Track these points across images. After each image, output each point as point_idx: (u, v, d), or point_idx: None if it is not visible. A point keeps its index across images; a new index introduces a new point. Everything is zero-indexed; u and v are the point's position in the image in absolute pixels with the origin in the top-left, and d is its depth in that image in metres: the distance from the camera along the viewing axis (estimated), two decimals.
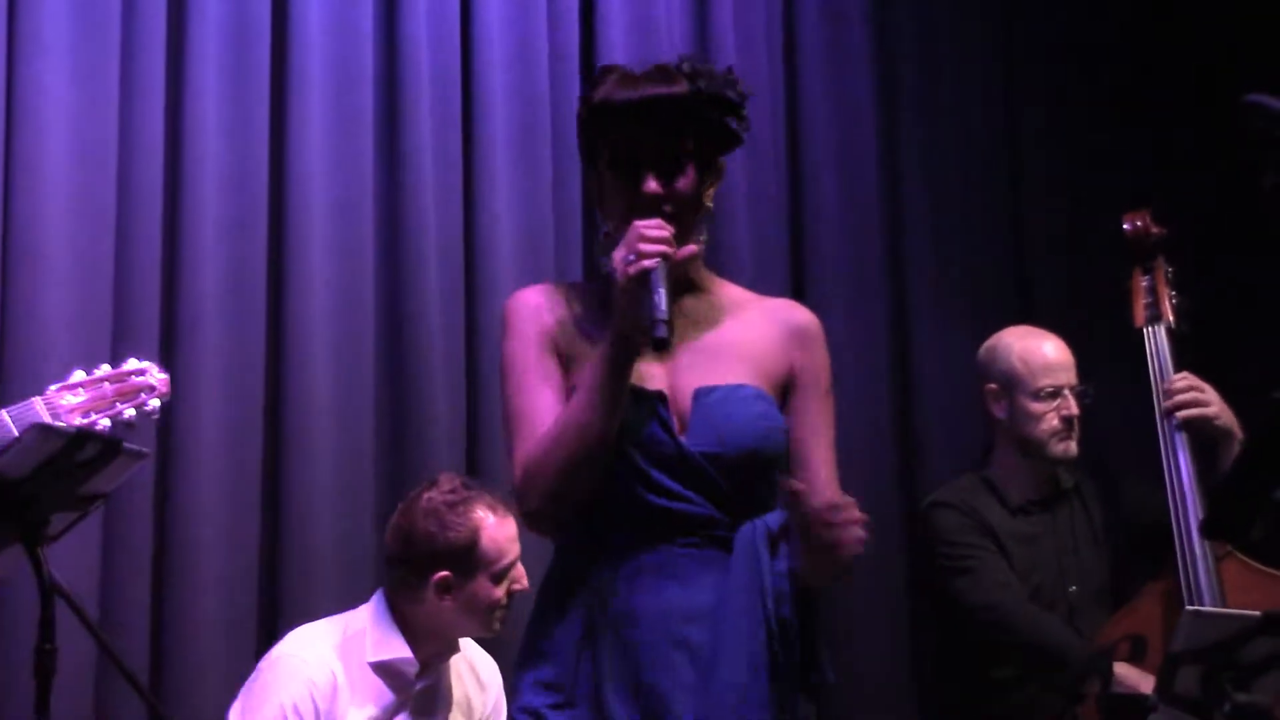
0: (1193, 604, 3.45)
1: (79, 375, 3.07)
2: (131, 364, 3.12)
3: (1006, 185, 4.99)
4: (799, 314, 2.62)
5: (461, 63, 4.22)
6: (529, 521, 2.50)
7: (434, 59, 4.16)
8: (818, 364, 2.57)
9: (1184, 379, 3.66)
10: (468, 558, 3.13)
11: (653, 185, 2.42)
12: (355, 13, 4.07)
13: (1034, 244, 4.97)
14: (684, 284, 2.51)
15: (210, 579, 3.68)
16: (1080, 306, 4.72)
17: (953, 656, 3.87)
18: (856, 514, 2.25)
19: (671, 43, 4.41)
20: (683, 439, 2.41)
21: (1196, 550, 3.55)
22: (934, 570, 3.82)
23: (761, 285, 4.31)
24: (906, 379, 4.73)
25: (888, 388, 4.69)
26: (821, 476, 2.51)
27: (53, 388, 3.04)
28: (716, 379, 2.46)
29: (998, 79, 5.03)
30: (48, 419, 2.93)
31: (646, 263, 2.30)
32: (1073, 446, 3.78)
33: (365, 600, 3.32)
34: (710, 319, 2.54)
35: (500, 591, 3.16)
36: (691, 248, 2.42)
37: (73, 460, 2.54)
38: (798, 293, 4.53)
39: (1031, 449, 3.79)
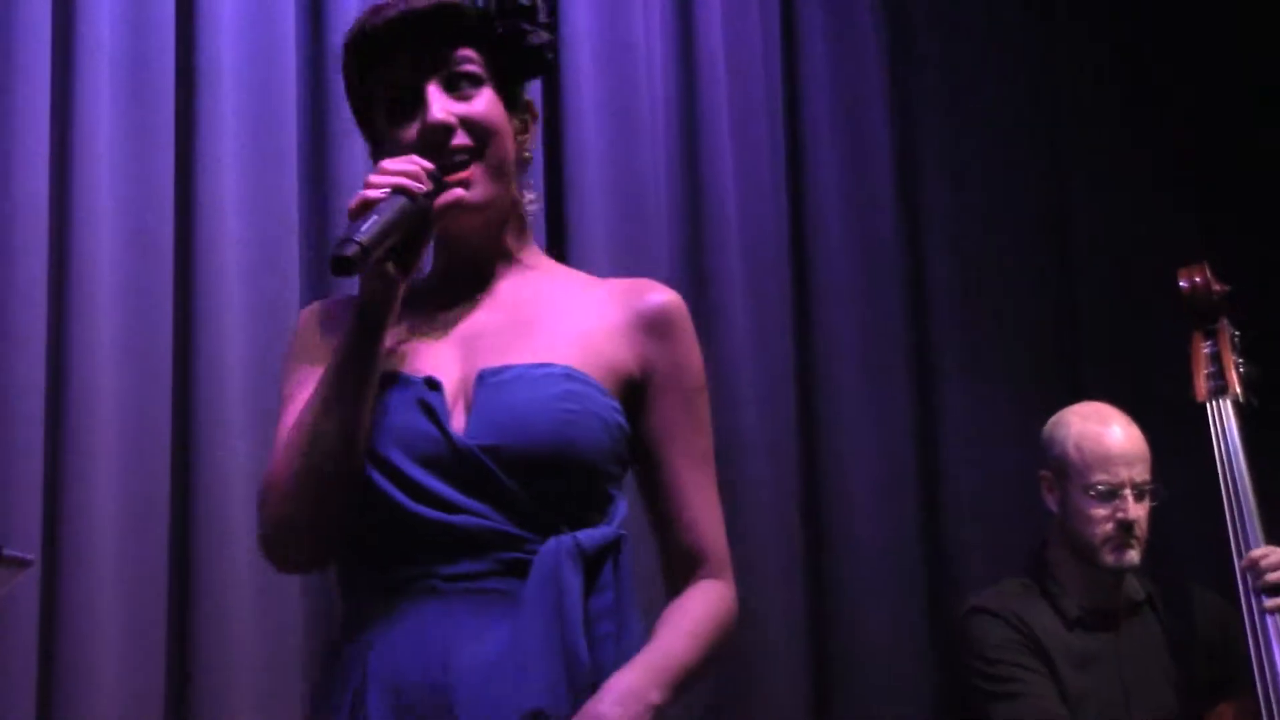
0: None
1: None
2: None
3: (1050, 228, 4.51)
4: (654, 295, 2.12)
5: None
6: (266, 551, 2.03)
7: None
8: (679, 354, 2.09)
9: (1274, 561, 3.15)
10: None
11: (437, 112, 2.03)
12: None
13: (1083, 301, 4.48)
14: (501, 256, 2.13)
15: (108, 699, 3.17)
16: (1135, 375, 4.25)
17: None
18: None
19: (648, 18, 4.00)
20: (456, 431, 1.95)
21: None
22: (970, 690, 3.37)
23: (762, 346, 3.91)
24: (934, 461, 4.22)
25: (912, 471, 4.18)
26: (690, 500, 2.06)
27: None
28: (516, 359, 2.02)
29: (1036, 93, 4.59)
30: None
31: (369, 192, 1.92)
32: (1131, 555, 3.33)
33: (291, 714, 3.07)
34: (531, 299, 2.11)
35: None
36: (458, 191, 2.01)
37: None
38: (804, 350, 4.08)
39: (1083, 553, 3.37)
